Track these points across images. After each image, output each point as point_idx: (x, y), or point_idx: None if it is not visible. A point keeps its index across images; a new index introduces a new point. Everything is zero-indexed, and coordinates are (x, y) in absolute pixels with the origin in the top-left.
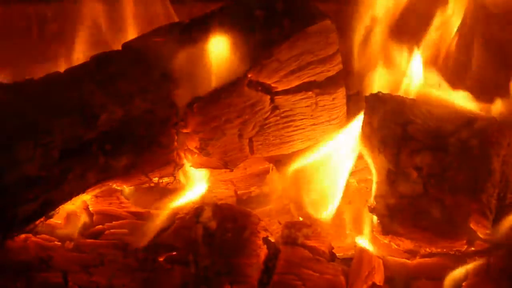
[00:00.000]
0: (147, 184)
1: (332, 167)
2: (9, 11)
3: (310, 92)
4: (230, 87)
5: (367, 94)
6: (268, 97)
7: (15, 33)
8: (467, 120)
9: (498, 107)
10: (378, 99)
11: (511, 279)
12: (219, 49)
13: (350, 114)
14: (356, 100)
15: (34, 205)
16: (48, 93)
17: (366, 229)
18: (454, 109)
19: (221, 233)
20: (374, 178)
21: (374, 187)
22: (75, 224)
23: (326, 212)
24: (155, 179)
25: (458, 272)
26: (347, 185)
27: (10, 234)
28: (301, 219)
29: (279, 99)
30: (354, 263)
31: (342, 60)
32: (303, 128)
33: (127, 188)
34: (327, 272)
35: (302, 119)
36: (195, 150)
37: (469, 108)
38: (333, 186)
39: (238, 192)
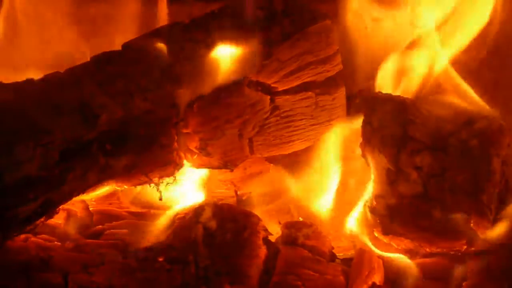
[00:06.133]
0: (147, 184)
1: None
2: None
3: (310, 92)
4: (230, 87)
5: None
6: (268, 97)
7: None
8: (467, 120)
9: None
10: (378, 99)
11: (511, 279)
12: (219, 49)
13: (350, 114)
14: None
15: (34, 205)
16: (48, 93)
17: (366, 229)
18: (454, 109)
19: (221, 233)
20: (374, 178)
21: (374, 187)
22: (75, 224)
23: (323, 205)
24: (155, 179)
25: (458, 272)
26: (347, 186)
27: (10, 234)
28: (301, 219)
29: (279, 99)
30: (354, 263)
31: (342, 60)
32: (303, 128)
33: (127, 188)
34: (327, 272)
35: (302, 119)
36: (195, 150)
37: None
38: (325, 178)
39: (238, 192)
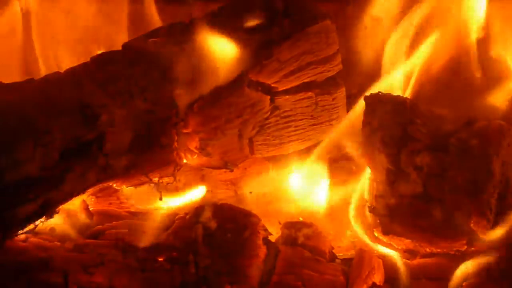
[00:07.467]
0: (147, 184)
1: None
2: None
3: (310, 92)
4: (230, 88)
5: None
6: (268, 97)
7: None
8: (467, 120)
9: None
10: (378, 99)
11: (511, 279)
12: (219, 49)
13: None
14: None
15: (34, 205)
16: (48, 93)
17: (366, 229)
18: (454, 109)
19: (221, 233)
20: (374, 178)
21: (374, 187)
22: (75, 224)
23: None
24: (155, 179)
25: (459, 272)
26: (347, 185)
27: (10, 234)
28: (301, 219)
29: (279, 99)
30: (354, 263)
31: (342, 60)
32: (303, 128)
33: (127, 188)
34: (327, 272)
35: (302, 119)
36: (195, 150)
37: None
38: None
39: (238, 192)
